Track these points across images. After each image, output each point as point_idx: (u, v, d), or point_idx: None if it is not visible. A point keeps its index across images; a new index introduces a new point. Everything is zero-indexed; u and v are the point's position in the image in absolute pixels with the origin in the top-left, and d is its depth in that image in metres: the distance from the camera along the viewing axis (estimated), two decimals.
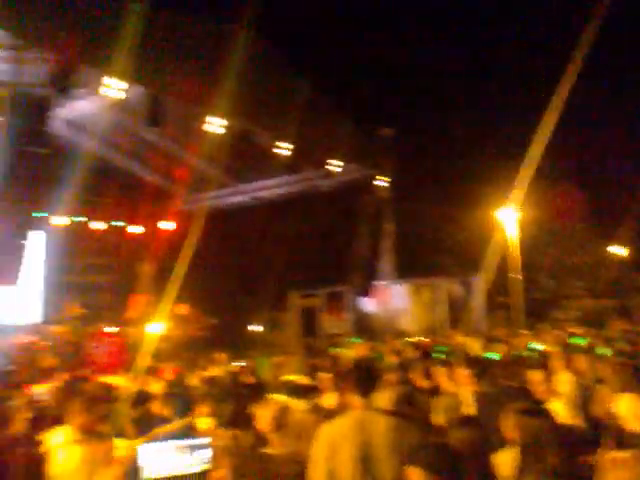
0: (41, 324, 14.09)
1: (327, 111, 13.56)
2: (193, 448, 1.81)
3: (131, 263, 17.27)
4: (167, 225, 17.37)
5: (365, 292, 16.83)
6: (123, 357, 13.01)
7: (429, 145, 19.46)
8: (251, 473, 2.23)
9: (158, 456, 1.77)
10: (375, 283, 16.86)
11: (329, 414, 4.17)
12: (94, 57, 9.64)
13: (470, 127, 19.18)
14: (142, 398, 5.27)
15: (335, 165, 14.55)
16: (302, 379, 5.79)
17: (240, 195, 17.08)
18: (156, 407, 5.09)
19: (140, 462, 1.74)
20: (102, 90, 10.17)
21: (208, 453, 1.81)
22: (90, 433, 3.73)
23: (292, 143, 12.96)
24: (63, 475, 3.75)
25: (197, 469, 1.78)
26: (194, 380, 7.22)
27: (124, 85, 10.07)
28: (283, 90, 12.24)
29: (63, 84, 9.23)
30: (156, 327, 14.44)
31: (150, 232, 17.88)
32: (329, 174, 15.09)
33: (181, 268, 14.18)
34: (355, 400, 3.55)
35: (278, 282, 15.59)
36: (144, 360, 11.45)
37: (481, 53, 19.84)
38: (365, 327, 16.05)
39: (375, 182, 16.17)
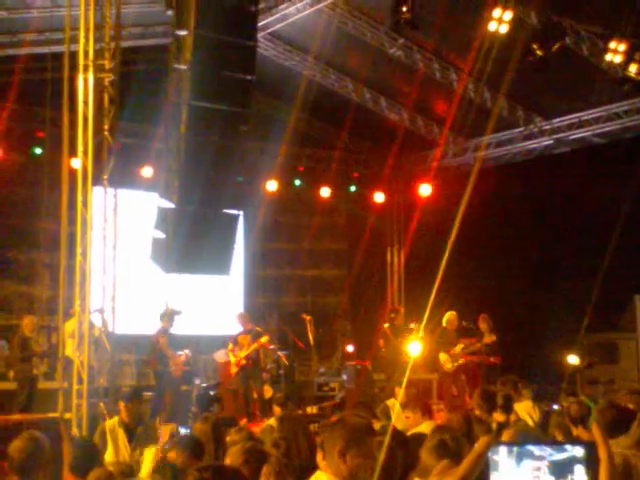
0: None
1: None
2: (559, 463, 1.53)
3: (372, 249, 12.49)
4: (423, 190, 12.25)
5: None
6: None
7: None
8: None
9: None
10: None
11: None
12: None
13: None
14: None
15: None
16: None
17: (544, 140, 11.08)
18: None
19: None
20: None
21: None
22: None
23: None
24: None
25: None
26: None
27: None
28: None
29: None
30: (415, 347, 9.61)
31: (398, 200, 13.09)
32: None
33: (443, 255, 9.22)
34: None
35: (607, 277, 9.47)
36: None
37: None
38: None
39: None
